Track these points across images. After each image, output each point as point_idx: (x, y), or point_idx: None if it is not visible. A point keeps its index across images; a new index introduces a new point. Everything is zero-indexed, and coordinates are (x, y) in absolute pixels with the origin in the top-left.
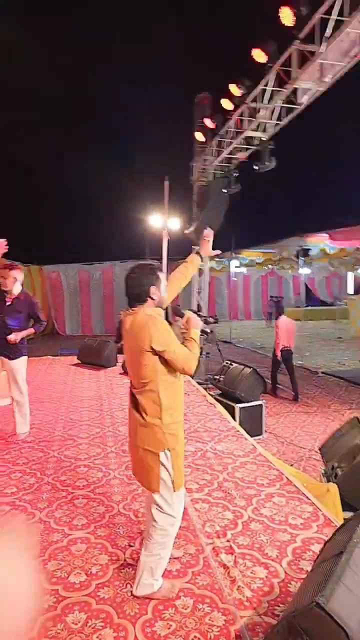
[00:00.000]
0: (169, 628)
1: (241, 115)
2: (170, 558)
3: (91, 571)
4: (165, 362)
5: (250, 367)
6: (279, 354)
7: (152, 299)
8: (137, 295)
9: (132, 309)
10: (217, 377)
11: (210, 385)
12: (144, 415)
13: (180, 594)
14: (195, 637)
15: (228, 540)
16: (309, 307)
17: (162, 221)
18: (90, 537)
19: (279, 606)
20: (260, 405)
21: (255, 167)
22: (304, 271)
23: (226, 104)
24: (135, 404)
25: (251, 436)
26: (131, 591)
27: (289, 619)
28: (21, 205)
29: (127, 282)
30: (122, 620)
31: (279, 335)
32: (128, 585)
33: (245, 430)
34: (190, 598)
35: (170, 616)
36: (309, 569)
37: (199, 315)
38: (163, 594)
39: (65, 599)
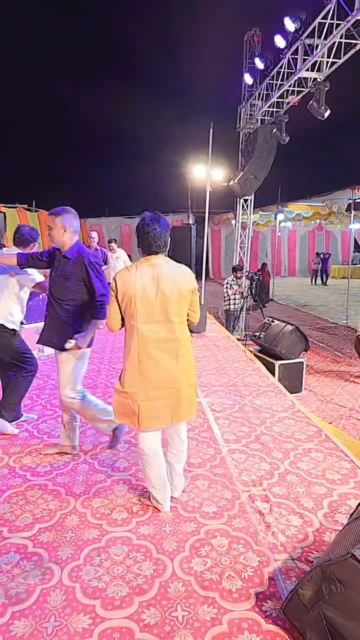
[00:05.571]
0: (204, 565)
1: (295, 53)
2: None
3: (132, 510)
4: None
5: (292, 325)
6: None
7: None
8: (165, 243)
9: (153, 255)
10: (258, 333)
11: (248, 342)
12: (185, 351)
13: (216, 533)
14: (229, 575)
15: (264, 489)
16: (358, 265)
17: (205, 171)
18: (131, 479)
19: (312, 553)
20: (301, 362)
21: (310, 111)
22: (355, 226)
23: (279, 40)
24: (172, 346)
25: (290, 393)
26: (170, 530)
27: (324, 567)
28: (64, 159)
29: (155, 231)
30: (160, 555)
31: None
32: (167, 525)
33: (284, 387)
34: (226, 538)
35: (207, 553)
36: (345, 522)
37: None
38: None
39: (108, 533)
